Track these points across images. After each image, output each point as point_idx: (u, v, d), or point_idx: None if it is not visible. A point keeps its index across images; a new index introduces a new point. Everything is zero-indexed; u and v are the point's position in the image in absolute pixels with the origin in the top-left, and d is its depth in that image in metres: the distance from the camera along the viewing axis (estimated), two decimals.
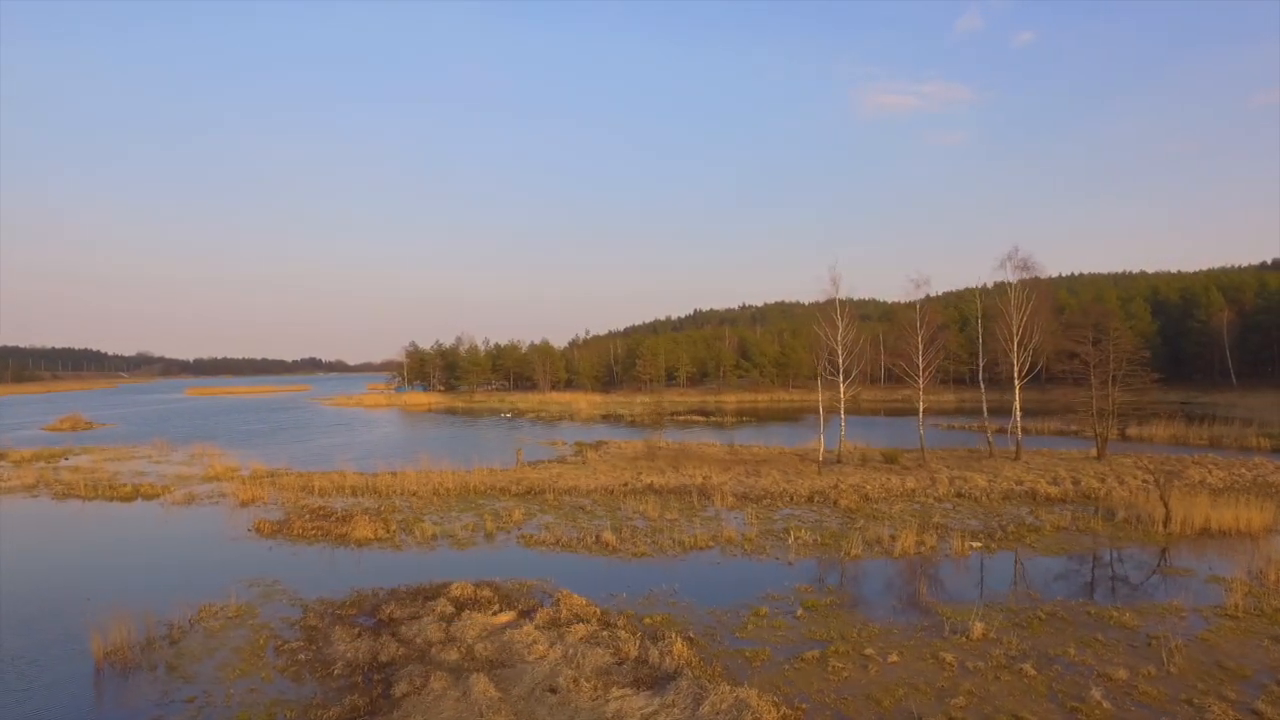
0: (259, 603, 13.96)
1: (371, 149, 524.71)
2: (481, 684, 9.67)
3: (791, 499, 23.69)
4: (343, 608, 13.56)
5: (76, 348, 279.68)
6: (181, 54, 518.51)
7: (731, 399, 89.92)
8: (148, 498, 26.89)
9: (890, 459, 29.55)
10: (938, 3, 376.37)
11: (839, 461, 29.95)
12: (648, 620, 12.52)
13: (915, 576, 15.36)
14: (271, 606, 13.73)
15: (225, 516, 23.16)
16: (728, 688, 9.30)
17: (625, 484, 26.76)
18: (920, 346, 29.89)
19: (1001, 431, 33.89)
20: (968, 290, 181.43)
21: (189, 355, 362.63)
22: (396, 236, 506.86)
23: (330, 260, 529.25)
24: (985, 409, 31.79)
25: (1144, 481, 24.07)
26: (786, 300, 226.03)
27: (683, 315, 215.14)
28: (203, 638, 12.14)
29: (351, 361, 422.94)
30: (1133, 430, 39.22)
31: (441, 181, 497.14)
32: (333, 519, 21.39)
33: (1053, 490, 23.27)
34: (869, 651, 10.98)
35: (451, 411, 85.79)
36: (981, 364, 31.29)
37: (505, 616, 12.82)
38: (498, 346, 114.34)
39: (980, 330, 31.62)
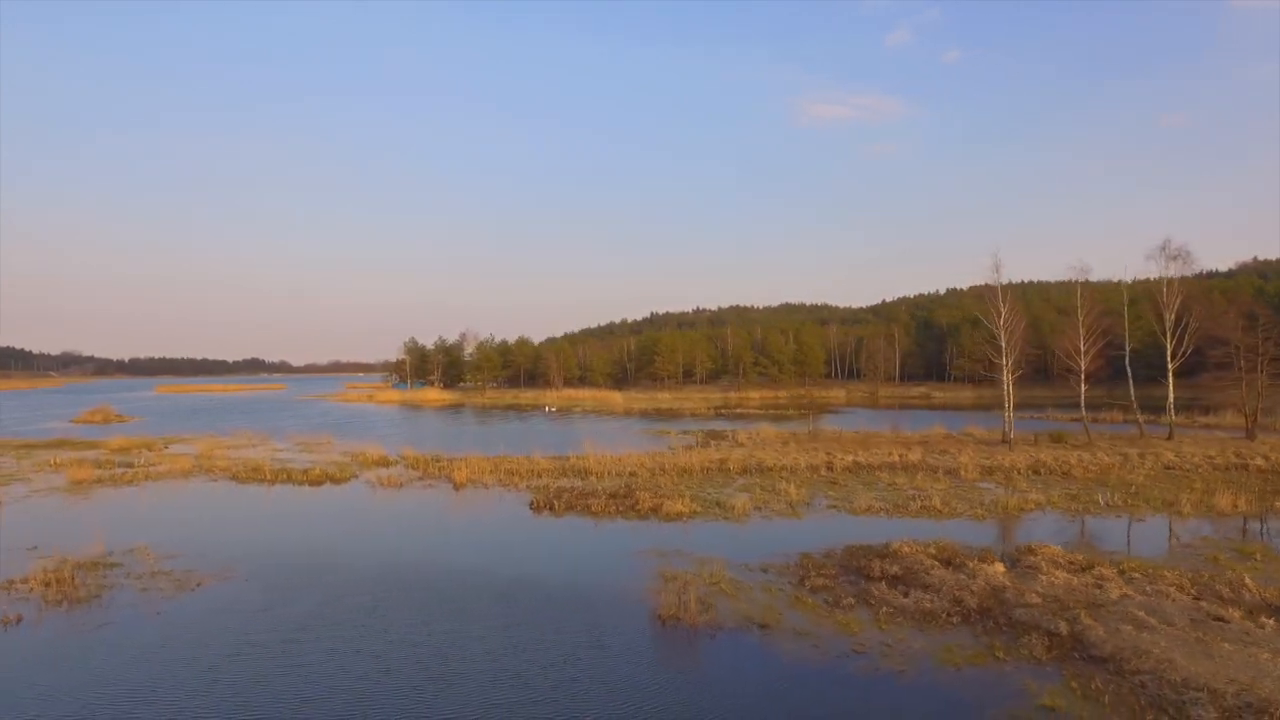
0: (712, 569, 13.57)
1: (320, 146, 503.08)
2: (1149, 617, 9.96)
3: (1018, 472, 24.63)
4: (818, 569, 13.42)
5: None
6: (108, 46, 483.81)
7: (754, 395, 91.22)
8: (336, 482, 25.45)
9: (1057, 439, 30.96)
10: (869, 18, 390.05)
11: (1004, 442, 31.12)
12: (1127, 565, 13.00)
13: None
14: (734, 572, 13.37)
15: (466, 497, 22.27)
16: None
17: (830, 463, 27.10)
18: (1083, 333, 31.29)
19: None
20: (938, 293, 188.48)
21: (116, 354, 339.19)
22: (337, 238, 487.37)
23: (267, 260, 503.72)
24: (1134, 398, 33.24)
25: None
26: (742, 304, 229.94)
27: (639, 318, 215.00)
28: (729, 601, 11.80)
29: (296, 363, 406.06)
30: (1202, 419, 42.14)
31: (387, 181, 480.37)
32: (603, 497, 20.81)
33: (1260, 463, 25.03)
34: None
35: (476, 408, 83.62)
36: (1127, 350, 32.98)
37: (1000, 566, 13.07)
38: (505, 343, 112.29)
39: (1126, 320, 33.19)
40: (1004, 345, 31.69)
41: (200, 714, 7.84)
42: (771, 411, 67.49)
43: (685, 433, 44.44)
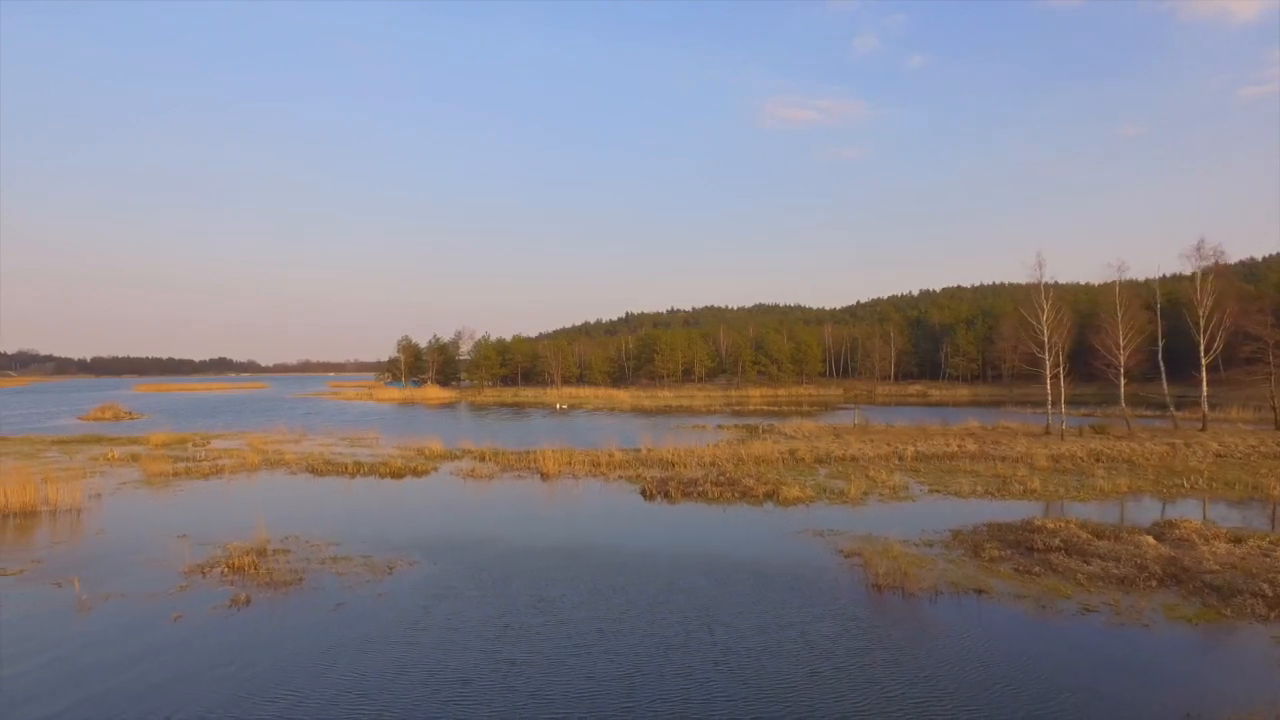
0: (881, 545, 14.16)
1: (297, 147, 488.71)
2: None
3: (1082, 460, 25.83)
4: (986, 543, 14.14)
5: None
6: (82, 42, 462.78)
7: (755, 394, 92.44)
8: (418, 475, 25.42)
9: (1100, 431, 32.41)
10: (835, 21, 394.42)
11: (1048, 433, 32.42)
12: (1275, 538, 14.01)
13: None
14: (903, 547, 14.01)
15: (565, 487, 22.48)
16: None
17: (897, 453, 28.03)
18: (1121, 329, 32.79)
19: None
20: (912, 294, 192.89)
21: (71, 353, 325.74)
22: (307, 238, 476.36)
23: (235, 259, 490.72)
24: (1167, 392, 34.90)
25: None
26: (716, 305, 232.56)
27: (615, 318, 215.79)
28: (924, 571, 12.38)
29: (264, 363, 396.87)
30: (1209, 414, 44.16)
31: (361, 181, 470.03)
32: (708, 485, 21.26)
33: None
34: None
35: (480, 405, 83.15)
36: (1161, 346, 34.67)
37: (1150, 538, 13.95)
38: (502, 341, 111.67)
39: (1159, 320, 34.81)
40: (1046, 342, 33.02)
41: (528, 700, 7.78)
42: (784, 408, 68.65)
43: (720, 427, 45.10)
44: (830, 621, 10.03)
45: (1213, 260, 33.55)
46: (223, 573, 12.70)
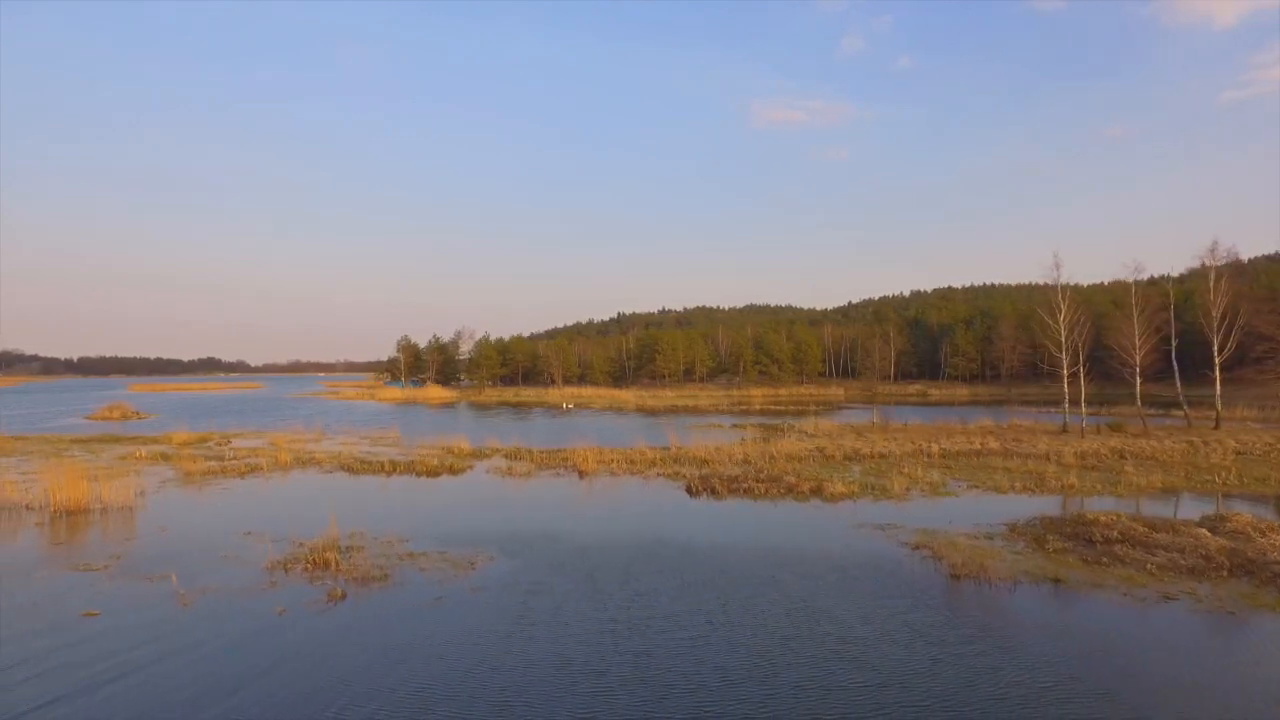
0: (944, 538, 14.52)
1: (289, 146, 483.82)
2: None
3: (1107, 457, 26.36)
4: (1046, 537, 14.52)
5: None
6: (72, 38, 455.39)
7: (757, 393, 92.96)
8: (454, 473, 25.52)
9: (1116, 428, 33.04)
10: (823, 22, 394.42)
11: (1065, 431, 33.01)
12: None
13: None
14: (968, 541, 14.37)
15: (606, 484, 22.68)
16: None
17: (923, 450, 28.47)
18: (1137, 330, 33.43)
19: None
20: (903, 295, 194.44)
21: (54, 353, 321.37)
22: (293, 237, 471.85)
23: (222, 258, 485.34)
24: (1180, 391, 35.58)
25: None
26: (707, 305, 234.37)
27: (606, 319, 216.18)
28: (994, 562, 12.72)
29: (253, 363, 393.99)
30: (1210, 413, 44.91)
31: (350, 181, 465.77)
32: (751, 481, 21.56)
33: None
34: None
35: (483, 405, 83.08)
36: (1174, 346, 35.35)
37: (1206, 532, 14.37)
38: (502, 340, 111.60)
39: (1172, 319, 35.53)
40: (1064, 341, 33.61)
41: (666, 690, 7.91)
42: (789, 408, 69.16)
43: (736, 426, 45.45)
44: (926, 611, 10.33)
45: (1226, 260, 34.31)
46: (305, 569, 12.79)
